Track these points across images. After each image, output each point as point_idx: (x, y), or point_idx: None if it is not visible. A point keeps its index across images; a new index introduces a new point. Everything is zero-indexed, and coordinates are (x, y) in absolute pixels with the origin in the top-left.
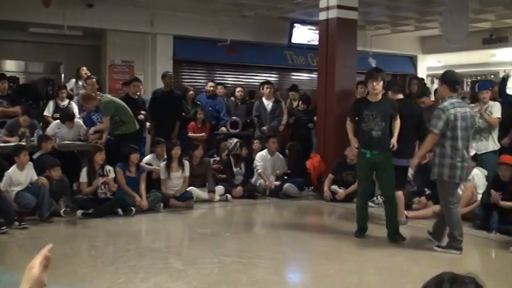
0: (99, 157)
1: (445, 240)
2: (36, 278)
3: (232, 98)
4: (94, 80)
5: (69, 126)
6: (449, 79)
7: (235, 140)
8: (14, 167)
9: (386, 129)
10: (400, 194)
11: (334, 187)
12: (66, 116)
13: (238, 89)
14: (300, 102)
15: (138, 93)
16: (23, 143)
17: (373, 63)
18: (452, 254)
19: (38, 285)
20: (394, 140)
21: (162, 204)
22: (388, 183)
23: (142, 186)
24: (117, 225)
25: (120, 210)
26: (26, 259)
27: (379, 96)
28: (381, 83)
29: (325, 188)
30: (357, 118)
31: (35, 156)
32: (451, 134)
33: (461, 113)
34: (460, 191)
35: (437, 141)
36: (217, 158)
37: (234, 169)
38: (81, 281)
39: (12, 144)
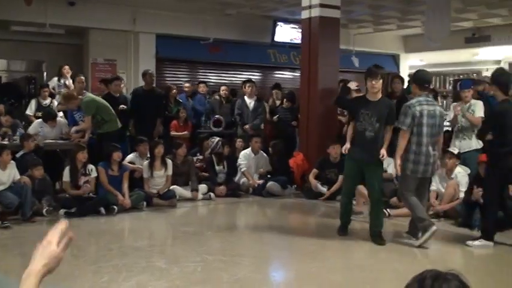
0: (82, 156)
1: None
2: (56, 255)
3: (217, 97)
4: (83, 78)
5: (51, 126)
6: (419, 78)
7: (217, 138)
8: None
9: (381, 131)
10: (361, 187)
11: (318, 185)
12: (48, 116)
13: (222, 87)
14: (285, 100)
15: (120, 92)
16: (5, 143)
17: (356, 62)
18: (431, 232)
19: (55, 264)
20: (383, 150)
21: (145, 203)
22: (376, 187)
23: (125, 185)
24: (100, 224)
25: (102, 209)
26: (8, 259)
27: (379, 95)
28: (381, 81)
29: (311, 178)
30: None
31: (17, 156)
32: (416, 130)
33: (428, 111)
34: (442, 189)
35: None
36: (200, 157)
37: (217, 167)
38: (64, 280)
39: None
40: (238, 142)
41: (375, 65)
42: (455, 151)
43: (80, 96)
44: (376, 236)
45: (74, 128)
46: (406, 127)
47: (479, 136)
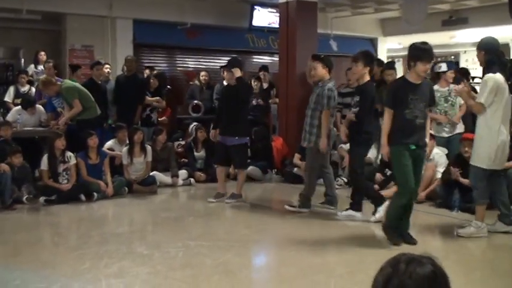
0: (59, 143)
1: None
2: None
3: (197, 82)
4: (51, 64)
5: (30, 113)
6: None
7: (194, 123)
8: None
9: (426, 116)
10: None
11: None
12: (27, 103)
13: (202, 73)
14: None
15: (104, 76)
16: None
17: (334, 45)
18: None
19: None
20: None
21: (126, 189)
22: (418, 179)
23: (108, 174)
24: (80, 211)
25: (82, 196)
26: None
27: (421, 79)
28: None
29: (296, 161)
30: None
31: None
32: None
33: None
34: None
35: (316, 114)
36: (183, 142)
37: (196, 153)
38: (45, 267)
39: None
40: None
41: (423, 42)
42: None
43: (58, 83)
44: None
45: (63, 119)
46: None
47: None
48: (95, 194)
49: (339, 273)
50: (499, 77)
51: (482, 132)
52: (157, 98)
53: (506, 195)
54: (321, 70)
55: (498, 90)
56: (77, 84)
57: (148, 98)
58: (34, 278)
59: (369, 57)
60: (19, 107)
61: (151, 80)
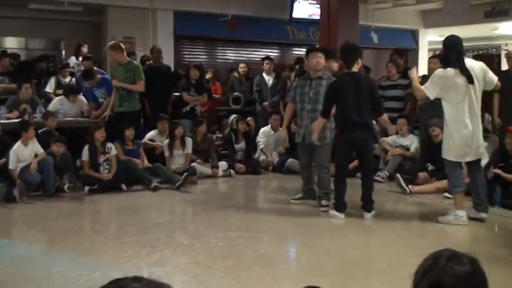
0: (99, 135)
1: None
2: None
3: (236, 74)
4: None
5: (72, 101)
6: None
7: (234, 115)
8: (18, 143)
9: None
10: None
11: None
12: (70, 90)
13: (241, 65)
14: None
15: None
16: (26, 119)
17: (374, 37)
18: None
19: None
20: None
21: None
22: None
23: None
24: (121, 200)
25: (123, 186)
26: (31, 233)
27: None
28: None
29: None
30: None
31: (39, 132)
32: None
33: None
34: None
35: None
36: (220, 135)
37: (236, 145)
38: (86, 255)
39: (17, 120)
40: (250, 121)
41: None
42: None
43: (99, 75)
44: None
45: (108, 111)
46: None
47: None
48: (154, 181)
49: (379, 267)
50: (449, 73)
51: (447, 125)
52: (198, 97)
53: (480, 186)
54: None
55: (447, 85)
56: None
57: (188, 97)
58: (75, 265)
59: None
60: (61, 97)
61: (192, 71)
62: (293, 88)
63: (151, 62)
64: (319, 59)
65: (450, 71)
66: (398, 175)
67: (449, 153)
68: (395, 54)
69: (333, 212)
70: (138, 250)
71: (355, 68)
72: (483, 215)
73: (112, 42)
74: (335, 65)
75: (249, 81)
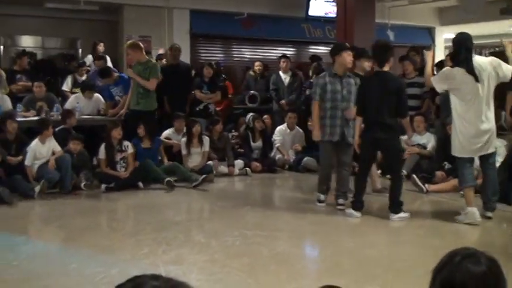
0: (116, 133)
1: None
2: None
3: (252, 73)
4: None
5: (88, 97)
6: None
7: (251, 114)
8: (36, 141)
9: None
10: None
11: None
12: (86, 86)
13: (257, 63)
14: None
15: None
16: (43, 117)
17: (391, 35)
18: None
19: None
20: None
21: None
22: None
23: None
24: (138, 198)
25: (140, 184)
26: (48, 230)
27: None
28: None
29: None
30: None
31: (56, 130)
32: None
33: None
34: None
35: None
36: (236, 133)
37: (252, 144)
38: (103, 252)
39: (35, 118)
40: (266, 119)
41: None
42: None
43: (116, 74)
44: None
45: (124, 110)
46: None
47: None
48: (170, 180)
49: (397, 267)
50: (456, 72)
51: (454, 121)
52: (210, 95)
53: (488, 183)
54: None
55: (454, 84)
56: None
57: (201, 95)
58: (92, 262)
59: None
60: (77, 94)
61: (205, 69)
62: (319, 86)
63: (164, 60)
64: (352, 57)
65: (458, 70)
66: (414, 175)
67: (455, 149)
68: (412, 51)
69: (350, 211)
70: (154, 248)
71: (387, 67)
72: (488, 213)
73: (131, 41)
74: (367, 64)
75: (264, 80)
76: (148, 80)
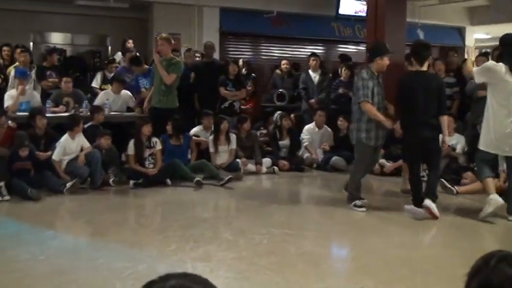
0: (146, 129)
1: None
2: None
3: (278, 71)
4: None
5: (116, 91)
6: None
7: (278, 112)
8: (66, 136)
9: None
10: None
11: (382, 161)
12: (115, 79)
13: (283, 61)
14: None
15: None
16: (75, 113)
17: (421, 34)
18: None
19: None
20: None
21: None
22: None
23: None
24: (166, 195)
25: (168, 181)
26: (76, 226)
27: None
28: None
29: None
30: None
31: (85, 126)
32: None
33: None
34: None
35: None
36: (264, 131)
37: (280, 142)
38: (131, 247)
39: (64, 114)
40: (285, 121)
41: None
42: None
43: (146, 66)
44: None
45: (146, 104)
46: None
47: None
48: (199, 179)
49: (425, 268)
50: (499, 67)
51: (487, 116)
52: (235, 92)
53: None
54: None
55: (494, 79)
56: None
57: (225, 92)
58: (120, 257)
59: None
60: (106, 90)
61: (230, 67)
62: (370, 88)
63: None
64: None
65: (501, 66)
66: (442, 179)
67: (483, 143)
68: (452, 51)
69: (412, 207)
70: (182, 245)
71: (425, 67)
72: (510, 217)
73: (166, 35)
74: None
75: (291, 78)
76: (168, 74)
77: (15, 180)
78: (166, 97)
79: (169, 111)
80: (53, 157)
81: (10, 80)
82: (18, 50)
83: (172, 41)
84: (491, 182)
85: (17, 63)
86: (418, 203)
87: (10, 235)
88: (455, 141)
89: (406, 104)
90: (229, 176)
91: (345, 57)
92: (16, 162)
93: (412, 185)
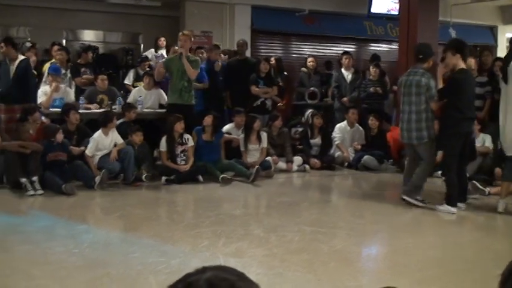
0: (179, 126)
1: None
2: None
3: (304, 69)
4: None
5: (147, 88)
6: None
7: (309, 110)
8: (99, 132)
9: None
10: None
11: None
12: (146, 74)
13: (309, 59)
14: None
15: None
16: (107, 110)
17: (453, 33)
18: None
19: None
20: None
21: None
22: None
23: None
24: (198, 191)
25: (200, 177)
26: (108, 220)
27: None
28: None
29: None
30: None
31: (117, 123)
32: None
33: (405, 80)
34: None
35: None
36: (300, 129)
37: (311, 140)
38: (165, 242)
39: (97, 111)
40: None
41: None
42: None
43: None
44: None
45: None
46: None
47: None
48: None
49: (457, 268)
50: None
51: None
52: (266, 89)
53: None
54: None
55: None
56: None
57: (256, 89)
58: (153, 252)
59: None
60: (138, 87)
61: (262, 65)
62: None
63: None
64: None
65: None
66: (474, 181)
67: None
68: (486, 51)
69: (445, 207)
70: (214, 240)
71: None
72: None
73: (188, 31)
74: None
75: (318, 76)
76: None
77: (48, 175)
78: (188, 93)
79: (189, 108)
80: (86, 152)
81: (44, 77)
82: (55, 48)
83: (192, 39)
84: (505, 187)
85: (53, 60)
86: (454, 201)
87: (44, 228)
88: (481, 143)
89: (459, 101)
90: (256, 167)
91: (375, 57)
92: (49, 153)
93: (450, 181)
